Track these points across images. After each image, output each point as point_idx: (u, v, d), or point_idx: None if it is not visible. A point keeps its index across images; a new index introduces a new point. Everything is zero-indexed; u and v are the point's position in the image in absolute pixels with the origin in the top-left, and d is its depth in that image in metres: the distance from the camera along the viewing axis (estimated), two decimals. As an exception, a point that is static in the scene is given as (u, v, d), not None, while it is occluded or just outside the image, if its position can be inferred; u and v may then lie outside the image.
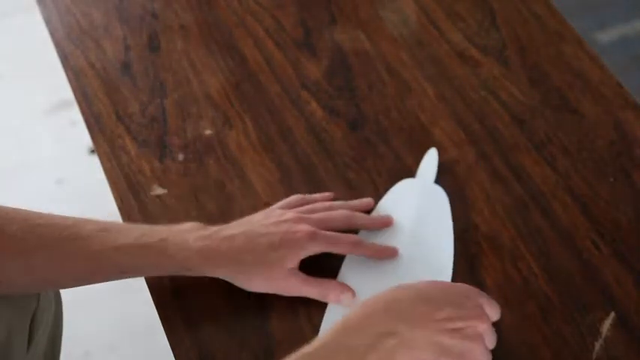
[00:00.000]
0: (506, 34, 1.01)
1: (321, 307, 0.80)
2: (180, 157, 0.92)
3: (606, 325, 0.78)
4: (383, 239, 0.83)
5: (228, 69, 1.00)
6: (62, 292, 0.94)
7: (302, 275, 0.78)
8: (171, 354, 0.78)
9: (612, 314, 0.79)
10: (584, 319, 0.79)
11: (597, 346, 0.77)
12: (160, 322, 0.80)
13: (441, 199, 0.86)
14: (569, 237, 0.84)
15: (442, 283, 0.74)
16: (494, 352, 0.74)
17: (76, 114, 1.03)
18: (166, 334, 0.80)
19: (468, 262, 0.83)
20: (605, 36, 1.82)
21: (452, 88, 0.97)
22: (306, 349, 0.65)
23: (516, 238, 0.84)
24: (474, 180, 0.89)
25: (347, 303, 0.78)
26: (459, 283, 0.74)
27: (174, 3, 1.07)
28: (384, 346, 0.64)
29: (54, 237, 0.74)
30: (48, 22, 1.06)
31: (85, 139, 1.03)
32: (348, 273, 0.81)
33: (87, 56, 1.02)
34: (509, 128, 0.93)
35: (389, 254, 0.81)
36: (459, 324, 0.67)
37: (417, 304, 0.67)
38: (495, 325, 0.78)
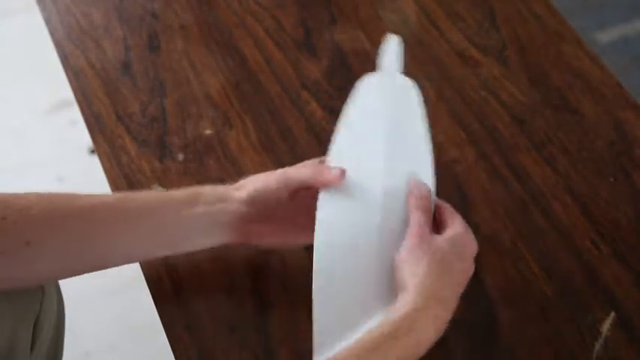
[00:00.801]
0: (506, 34, 1.01)
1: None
2: (180, 157, 0.92)
3: (606, 325, 0.78)
4: (360, 151, 0.79)
5: (228, 69, 1.00)
6: (62, 291, 0.94)
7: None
8: (171, 354, 0.78)
9: (612, 314, 0.79)
10: (584, 319, 0.79)
11: (597, 346, 0.77)
12: (159, 321, 0.80)
13: (410, 95, 0.81)
14: (569, 237, 0.84)
15: (452, 244, 0.73)
16: (493, 352, 0.74)
17: (76, 114, 1.02)
18: (166, 333, 0.80)
19: (468, 262, 0.83)
20: (605, 36, 1.82)
21: (452, 88, 0.97)
22: None
23: (516, 238, 0.84)
24: (474, 180, 0.89)
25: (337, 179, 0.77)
26: (459, 236, 0.74)
27: (174, 3, 1.07)
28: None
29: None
30: (48, 22, 1.06)
31: (85, 139, 1.02)
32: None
33: (87, 56, 1.02)
34: (509, 128, 0.93)
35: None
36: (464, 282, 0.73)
37: (436, 305, 0.70)
38: (496, 325, 0.78)
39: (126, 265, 0.77)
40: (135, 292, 1.02)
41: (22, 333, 0.79)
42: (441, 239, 0.72)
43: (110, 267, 0.76)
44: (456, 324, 0.79)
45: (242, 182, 0.79)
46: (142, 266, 0.84)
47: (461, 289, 0.72)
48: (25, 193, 0.72)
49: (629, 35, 1.84)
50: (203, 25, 1.04)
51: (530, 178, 0.89)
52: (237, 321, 0.80)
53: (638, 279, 0.81)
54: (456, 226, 0.75)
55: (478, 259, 0.83)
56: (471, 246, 0.74)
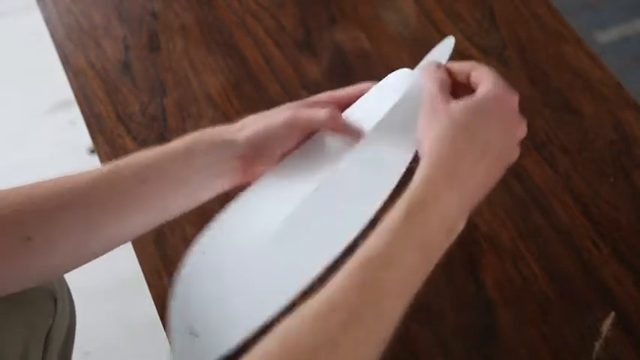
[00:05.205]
0: (506, 34, 1.01)
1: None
2: (180, 157, 0.92)
3: (606, 325, 0.78)
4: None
5: (228, 69, 1.00)
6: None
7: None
8: (171, 354, 0.78)
9: (612, 314, 0.79)
10: (584, 319, 0.79)
11: (597, 346, 0.77)
12: (159, 321, 0.80)
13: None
14: (569, 237, 0.84)
15: (476, 107, 0.63)
16: (493, 353, 0.74)
17: (76, 114, 1.03)
18: (166, 333, 0.79)
19: (468, 262, 0.83)
20: (605, 36, 1.82)
21: (452, 88, 0.97)
22: (367, 249, 0.58)
23: (516, 238, 0.84)
24: (474, 180, 0.89)
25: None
26: (487, 96, 0.64)
27: (174, 3, 1.07)
28: (454, 229, 0.62)
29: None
30: (48, 22, 1.06)
31: (85, 139, 1.03)
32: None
33: (87, 56, 1.02)
34: (509, 128, 0.93)
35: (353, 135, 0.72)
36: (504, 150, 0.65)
37: (473, 172, 0.62)
38: (495, 325, 0.78)
39: (126, 265, 0.77)
40: (135, 292, 1.02)
41: (34, 346, 0.78)
42: (459, 104, 0.64)
43: (121, 244, 0.72)
44: (456, 324, 0.79)
45: (244, 121, 0.74)
46: (141, 266, 0.84)
47: (494, 159, 0.63)
48: (17, 187, 0.69)
49: (629, 35, 1.84)
50: (203, 25, 1.04)
51: (530, 178, 0.89)
52: (237, 321, 0.80)
53: (638, 279, 0.81)
54: (484, 85, 0.66)
55: (478, 259, 0.83)
56: (506, 104, 0.65)
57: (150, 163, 0.71)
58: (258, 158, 0.73)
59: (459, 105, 0.64)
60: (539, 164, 0.90)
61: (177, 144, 0.72)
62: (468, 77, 0.69)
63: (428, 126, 0.64)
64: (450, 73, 0.71)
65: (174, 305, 0.72)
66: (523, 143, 0.92)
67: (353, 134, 0.72)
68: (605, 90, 0.96)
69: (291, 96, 0.97)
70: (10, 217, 0.67)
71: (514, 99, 0.66)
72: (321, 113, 0.72)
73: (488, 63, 0.99)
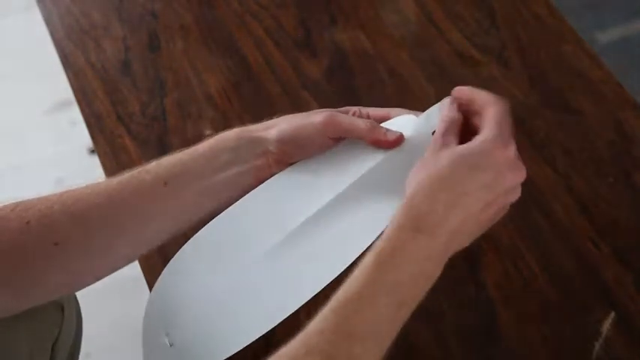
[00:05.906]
0: (506, 34, 1.01)
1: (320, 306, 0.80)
2: (180, 157, 0.92)
3: (606, 325, 0.78)
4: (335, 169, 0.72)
5: (228, 69, 1.00)
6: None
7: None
8: (171, 354, 0.78)
9: (612, 314, 0.79)
10: (584, 319, 0.79)
11: (597, 346, 0.77)
12: (160, 322, 0.80)
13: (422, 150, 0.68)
14: (569, 237, 0.84)
15: (462, 157, 0.62)
16: (493, 353, 0.74)
17: (76, 114, 1.03)
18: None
19: (468, 262, 0.83)
20: (605, 36, 1.82)
21: (452, 88, 0.97)
22: (341, 295, 0.59)
23: (516, 238, 0.84)
24: (474, 180, 0.89)
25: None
26: (479, 145, 0.63)
27: (174, 3, 1.07)
28: (428, 275, 0.61)
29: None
30: (48, 22, 1.06)
31: (85, 139, 1.03)
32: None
33: (87, 56, 1.02)
34: (509, 128, 0.93)
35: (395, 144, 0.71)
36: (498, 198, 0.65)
37: (453, 217, 0.62)
38: (495, 325, 0.78)
39: (126, 266, 0.77)
40: (135, 293, 1.02)
41: (39, 357, 0.78)
42: (450, 152, 0.63)
43: (147, 249, 0.72)
44: (456, 324, 0.79)
45: (276, 120, 0.73)
46: (141, 266, 0.84)
47: (475, 208, 0.63)
48: (46, 195, 0.69)
49: (629, 35, 1.83)
50: (203, 25, 1.04)
51: (530, 178, 0.89)
52: (237, 321, 0.80)
53: (638, 279, 0.81)
54: (483, 133, 0.64)
55: (478, 258, 0.83)
56: (499, 156, 0.63)
57: (173, 164, 0.71)
58: (287, 158, 0.72)
59: (449, 152, 0.63)
60: (539, 164, 0.90)
61: (202, 144, 0.72)
62: (481, 110, 0.68)
63: (419, 169, 0.64)
64: (466, 102, 0.69)
65: (154, 301, 0.71)
66: (523, 143, 0.92)
67: (390, 147, 0.70)
68: (605, 90, 0.96)
69: (291, 96, 0.97)
70: (38, 220, 0.67)
71: (509, 150, 0.65)
72: (361, 122, 0.70)
73: (488, 63, 0.99)
